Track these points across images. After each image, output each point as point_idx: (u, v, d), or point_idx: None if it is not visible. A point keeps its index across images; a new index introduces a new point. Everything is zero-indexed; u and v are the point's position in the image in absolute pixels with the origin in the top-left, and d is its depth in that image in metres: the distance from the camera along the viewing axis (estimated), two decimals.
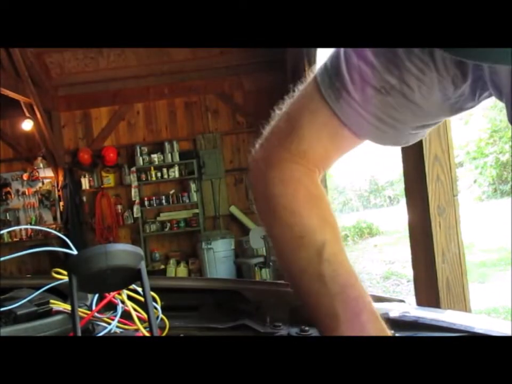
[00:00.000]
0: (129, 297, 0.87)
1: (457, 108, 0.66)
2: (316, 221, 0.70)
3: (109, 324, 0.83)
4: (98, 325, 0.84)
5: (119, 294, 0.85)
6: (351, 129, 0.68)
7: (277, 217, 0.71)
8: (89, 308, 0.84)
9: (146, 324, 0.82)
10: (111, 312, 0.86)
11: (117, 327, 0.85)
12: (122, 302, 0.85)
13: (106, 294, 0.83)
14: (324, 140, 0.71)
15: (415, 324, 0.82)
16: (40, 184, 7.40)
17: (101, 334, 0.81)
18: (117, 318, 0.83)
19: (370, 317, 0.64)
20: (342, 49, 0.66)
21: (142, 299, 0.72)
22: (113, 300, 0.85)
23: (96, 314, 0.84)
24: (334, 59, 0.67)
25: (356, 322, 0.64)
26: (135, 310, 0.85)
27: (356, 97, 0.65)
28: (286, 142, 0.71)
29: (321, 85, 0.68)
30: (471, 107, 0.67)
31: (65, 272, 0.84)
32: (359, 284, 0.68)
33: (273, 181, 0.72)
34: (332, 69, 0.67)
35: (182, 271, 7.06)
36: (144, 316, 0.83)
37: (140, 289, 0.85)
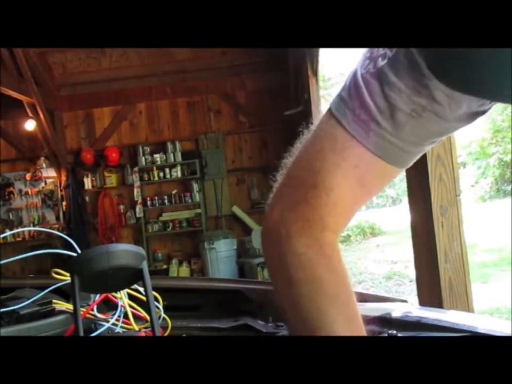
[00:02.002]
0: (132, 297, 0.87)
1: (472, 115, 0.62)
2: (342, 324, 0.60)
3: (112, 324, 0.84)
4: (101, 324, 0.85)
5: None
6: (389, 163, 0.61)
7: (298, 308, 0.61)
8: (92, 309, 0.84)
9: (148, 324, 0.82)
10: (113, 312, 0.86)
11: (121, 327, 0.85)
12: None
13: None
14: (353, 184, 0.62)
15: (418, 324, 0.82)
16: (42, 184, 7.40)
17: (98, 332, 0.81)
18: (115, 317, 0.84)
19: None
20: (359, 77, 0.60)
21: (144, 299, 0.72)
22: (113, 298, 0.85)
23: (98, 314, 0.84)
24: (353, 89, 0.61)
25: None
26: (135, 309, 0.85)
27: (386, 126, 0.59)
28: (312, 197, 0.61)
29: (343, 119, 0.60)
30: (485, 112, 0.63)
31: (64, 273, 0.84)
32: None
33: (297, 259, 0.61)
34: (352, 100, 0.60)
35: (184, 271, 7.07)
36: (146, 315, 0.83)
37: (142, 289, 0.85)
